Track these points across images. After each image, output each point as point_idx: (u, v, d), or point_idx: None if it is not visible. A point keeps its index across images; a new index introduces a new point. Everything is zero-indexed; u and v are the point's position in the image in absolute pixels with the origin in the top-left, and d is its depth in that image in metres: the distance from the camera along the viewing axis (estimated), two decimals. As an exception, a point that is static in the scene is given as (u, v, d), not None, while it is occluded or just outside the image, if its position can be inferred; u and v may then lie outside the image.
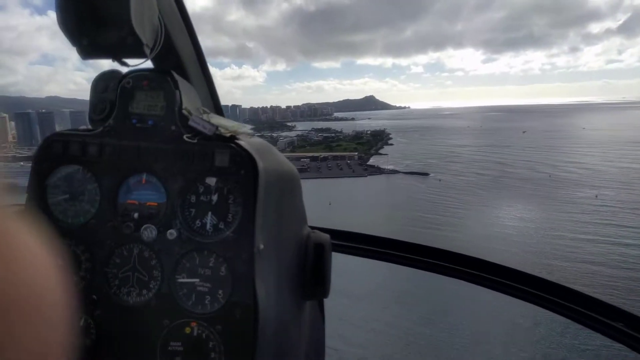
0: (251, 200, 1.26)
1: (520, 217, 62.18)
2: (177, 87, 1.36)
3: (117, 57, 1.33)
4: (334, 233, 1.65)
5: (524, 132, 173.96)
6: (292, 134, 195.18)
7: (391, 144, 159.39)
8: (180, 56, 1.48)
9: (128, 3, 1.16)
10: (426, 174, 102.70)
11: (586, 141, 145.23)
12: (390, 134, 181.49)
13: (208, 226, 1.30)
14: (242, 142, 1.31)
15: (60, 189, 1.40)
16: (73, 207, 1.39)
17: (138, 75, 1.38)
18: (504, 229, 55.09)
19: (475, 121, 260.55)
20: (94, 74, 1.53)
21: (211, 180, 1.29)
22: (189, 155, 1.32)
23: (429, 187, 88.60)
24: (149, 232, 1.32)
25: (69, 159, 1.39)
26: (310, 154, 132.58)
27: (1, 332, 0.29)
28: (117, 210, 1.36)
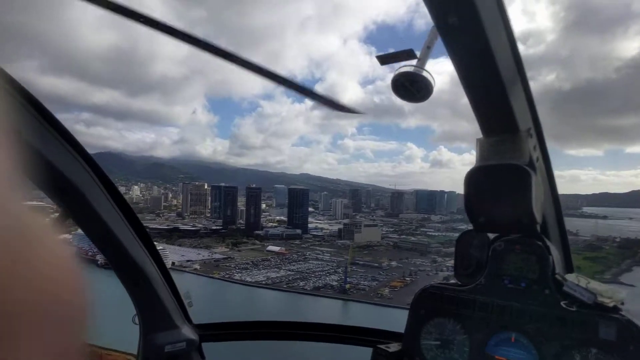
0: None
1: None
2: (550, 253, 1.42)
3: (507, 232, 1.51)
4: None
5: None
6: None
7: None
8: (547, 224, 1.55)
9: (531, 193, 1.33)
10: None
11: None
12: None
13: None
14: (626, 314, 1.28)
15: (433, 336, 1.55)
16: (443, 354, 1.52)
17: (510, 239, 1.49)
18: None
19: None
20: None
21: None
22: (566, 322, 1.32)
23: None
24: None
25: (443, 311, 1.54)
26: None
27: (19, 329, 0.28)
28: None
